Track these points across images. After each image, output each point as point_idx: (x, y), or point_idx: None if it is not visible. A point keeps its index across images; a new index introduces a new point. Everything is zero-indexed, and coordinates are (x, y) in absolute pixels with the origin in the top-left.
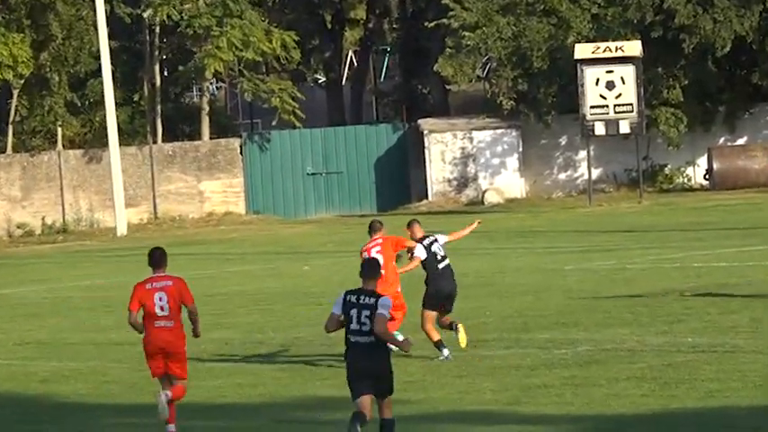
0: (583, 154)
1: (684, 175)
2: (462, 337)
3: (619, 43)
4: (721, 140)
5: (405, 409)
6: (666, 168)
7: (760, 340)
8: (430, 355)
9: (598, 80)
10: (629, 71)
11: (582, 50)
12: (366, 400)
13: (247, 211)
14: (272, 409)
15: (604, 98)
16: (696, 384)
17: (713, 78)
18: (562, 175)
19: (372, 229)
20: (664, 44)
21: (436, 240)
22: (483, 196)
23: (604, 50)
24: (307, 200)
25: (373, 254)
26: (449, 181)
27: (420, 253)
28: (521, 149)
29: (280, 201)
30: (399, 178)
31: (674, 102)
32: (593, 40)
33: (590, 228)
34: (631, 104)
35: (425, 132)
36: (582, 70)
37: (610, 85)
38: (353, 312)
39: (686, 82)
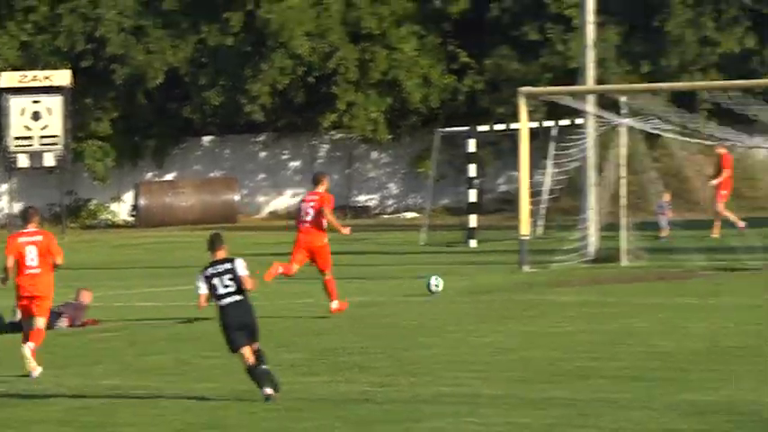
0: (4, 187)
1: (109, 210)
2: None
3: (47, 72)
4: (149, 175)
5: None
6: (91, 203)
7: (181, 383)
8: None
9: (24, 110)
10: (56, 102)
11: (8, 79)
12: (247, 350)
13: None
14: None
15: (29, 129)
16: (114, 429)
17: (144, 111)
18: None
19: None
20: (94, 74)
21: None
22: None
23: (31, 79)
24: None
25: (309, 207)
26: None
27: None
28: None
29: None
30: None
31: (102, 135)
32: (21, 68)
33: None
34: (57, 136)
35: None
36: (6, 99)
37: (36, 115)
38: (216, 281)
39: (115, 114)
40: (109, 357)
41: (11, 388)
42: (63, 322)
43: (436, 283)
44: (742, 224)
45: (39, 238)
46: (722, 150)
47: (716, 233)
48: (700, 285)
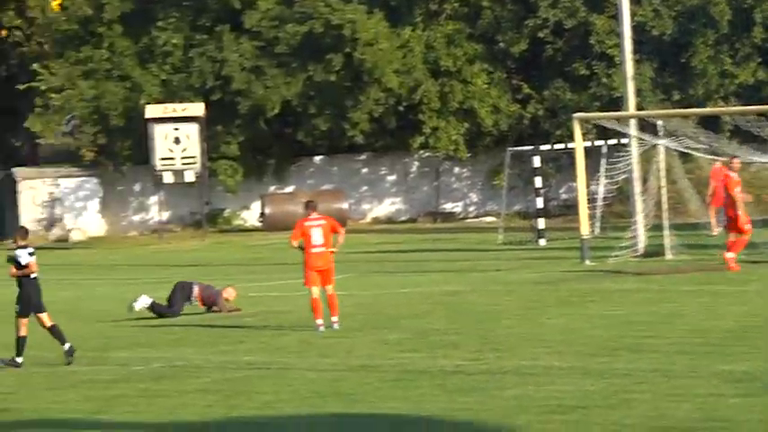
0: (154, 199)
1: (241, 217)
2: None
3: (184, 105)
4: (272, 188)
5: (0, 417)
6: (225, 212)
7: (306, 359)
8: (23, 370)
9: (167, 136)
10: (193, 129)
11: (152, 110)
12: None
13: None
14: None
15: (172, 151)
16: (253, 396)
17: (264, 135)
18: (136, 217)
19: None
20: (222, 106)
21: (34, 254)
22: (69, 235)
23: (172, 111)
24: None
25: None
26: (38, 221)
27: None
28: (101, 194)
29: None
30: None
31: (231, 155)
32: (163, 102)
33: (161, 262)
34: (195, 157)
35: (18, 179)
36: (152, 127)
37: (176, 140)
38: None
39: (242, 138)
40: (248, 338)
41: (167, 363)
42: (195, 290)
43: None
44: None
45: (322, 222)
46: (716, 165)
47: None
48: (732, 275)
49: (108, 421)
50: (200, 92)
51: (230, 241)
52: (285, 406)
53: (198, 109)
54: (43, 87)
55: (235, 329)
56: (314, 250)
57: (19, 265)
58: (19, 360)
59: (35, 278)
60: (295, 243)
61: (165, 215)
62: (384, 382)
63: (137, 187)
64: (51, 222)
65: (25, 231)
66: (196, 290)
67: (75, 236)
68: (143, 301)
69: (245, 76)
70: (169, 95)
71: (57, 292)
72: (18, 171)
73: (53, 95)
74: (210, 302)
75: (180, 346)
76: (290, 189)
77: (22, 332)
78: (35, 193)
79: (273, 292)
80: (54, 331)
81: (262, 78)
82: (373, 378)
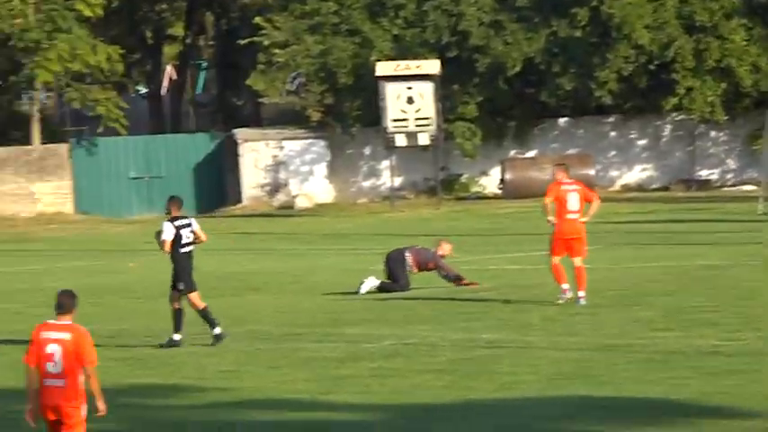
0: (385, 163)
1: (479, 184)
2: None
3: (418, 62)
4: (513, 153)
5: (221, 397)
6: (462, 178)
7: (550, 337)
8: (245, 347)
9: (399, 95)
10: (427, 88)
11: (384, 68)
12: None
13: (76, 212)
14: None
15: (405, 112)
16: (492, 377)
17: (505, 95)
18: (366, 183)
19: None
20: (459, 63)
21: (189, 225)
22: (294, 201)
23: (405, 68)
24: (130, 202)
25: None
26: (261, 186)
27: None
28: (328, 158)
29: (106, 202)
30: (216, 183)
31: (468, 117)
32: (395, 59)
33: (393, 231)
34: (430, 118)
35: (239, 141)
36: (384, 86)
37: (410, 100)
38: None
39: (480, 98)
40: (487, 314)
41: (399, 340)
42: (409, 258)
43: None
44: None
45: (578, 187)
46: None
47: None
48: None
49: (338, 402)
50: (435, 48)
51: (467, 210)
52: (527, 388)
53: (433, 66)
54: (266, 42)
55: (471, 304)
56: (569, 216)
57: (159, 238)
58: (217, 331)
59: (189, 252)
60: (547, 200)
61: (398, 181)
62: (633, 364)
63: (367, 151)
64: (275, 188)
65: (179, 202)
66: (409, 257)
67: (301, 202)
68: (370, 283)
69: (483, 31)
70: (401, 52)
71: (281, 262)
72: (239, 132)
73: (277, 51)
74: (428, 267)
75: (412, 322)
76: (532, 154)
77: (200, 305)
78: (258, 156)
79: (514, 265)
80: (180, 314)
81: (501, 34)
82: (622, 359)
